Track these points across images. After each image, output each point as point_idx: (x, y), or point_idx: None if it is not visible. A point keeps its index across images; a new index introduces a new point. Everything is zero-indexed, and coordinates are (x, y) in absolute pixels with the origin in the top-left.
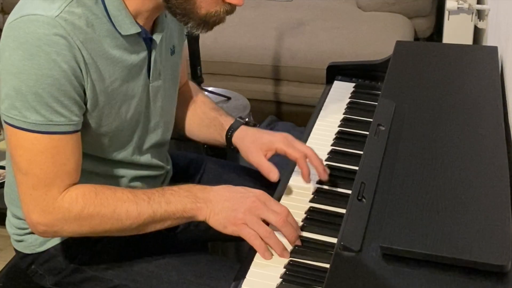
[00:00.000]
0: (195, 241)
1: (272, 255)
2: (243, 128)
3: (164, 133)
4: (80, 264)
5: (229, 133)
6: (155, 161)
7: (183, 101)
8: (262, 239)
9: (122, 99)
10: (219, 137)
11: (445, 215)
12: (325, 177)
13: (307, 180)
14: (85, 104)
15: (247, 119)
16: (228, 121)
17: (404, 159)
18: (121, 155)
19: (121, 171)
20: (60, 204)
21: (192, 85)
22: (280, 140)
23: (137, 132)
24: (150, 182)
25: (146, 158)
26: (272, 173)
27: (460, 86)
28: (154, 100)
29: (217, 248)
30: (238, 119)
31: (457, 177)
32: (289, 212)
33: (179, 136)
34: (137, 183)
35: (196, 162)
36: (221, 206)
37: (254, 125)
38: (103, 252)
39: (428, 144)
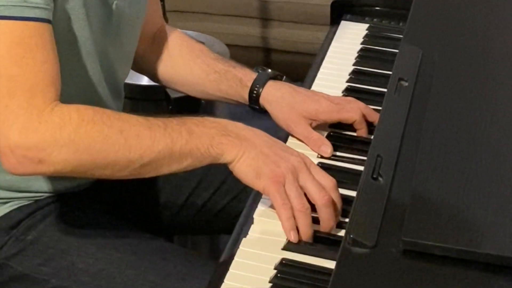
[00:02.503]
0: (157, 232)
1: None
2: (272, 85)
3: (121, 76)
4: (6, 259)
5: (255, 91)
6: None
7: (164, 48)
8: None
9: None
10: (237, 96)
11: (486, 201)
12: None
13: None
14: None
15: (269, 70)
16: (247, 75)
17: (433, 124)
18: (73, 88)
19: None
20: (48, 118)
21: (173, 28)
22: (327, 109)
23: (94, 61)
24: None
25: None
26: (324, 146)
27: (509, 28)
28: (115, 24)
29: (186, 242)
30: (260, 71)
31: (503, 150)
32: (336, 186)
33: (134, 94)
34: None
35: None
36: (259, 150)
37: (282, 77)
38: (36, 243)
39: (465, 105)
